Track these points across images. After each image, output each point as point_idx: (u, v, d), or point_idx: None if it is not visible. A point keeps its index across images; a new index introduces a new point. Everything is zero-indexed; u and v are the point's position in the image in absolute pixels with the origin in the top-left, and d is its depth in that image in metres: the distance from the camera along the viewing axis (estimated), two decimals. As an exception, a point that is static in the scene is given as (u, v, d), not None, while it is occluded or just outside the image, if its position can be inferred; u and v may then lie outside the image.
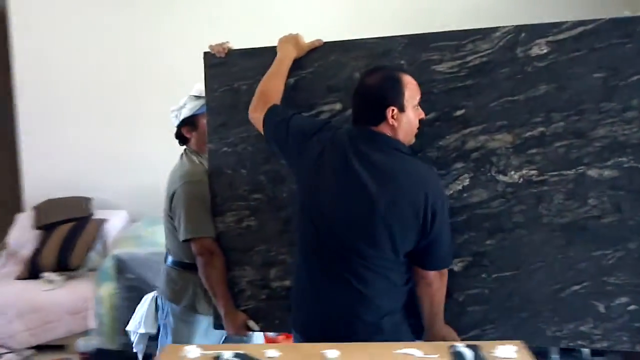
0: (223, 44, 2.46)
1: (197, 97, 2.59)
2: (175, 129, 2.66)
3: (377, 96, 1.96)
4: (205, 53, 2.48)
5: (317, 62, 2.32)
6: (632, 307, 2.10)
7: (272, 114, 2.17)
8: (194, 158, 2.61)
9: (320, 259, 2.00)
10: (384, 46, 2.27)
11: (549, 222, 2.13)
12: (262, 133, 2.21)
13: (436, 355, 1.66)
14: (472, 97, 2.17)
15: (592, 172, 2.09)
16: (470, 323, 2.23)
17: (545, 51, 2.10)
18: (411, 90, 1.98)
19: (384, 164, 1.93)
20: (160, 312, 2.66)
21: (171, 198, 2.52)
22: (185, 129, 2.64)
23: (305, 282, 2.06)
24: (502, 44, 2.14)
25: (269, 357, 1.68)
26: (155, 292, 2.77)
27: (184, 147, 2.69)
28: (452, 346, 1.72)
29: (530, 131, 2.13)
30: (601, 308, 2.12)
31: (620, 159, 2.07)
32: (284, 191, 2.39)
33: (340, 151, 1.98)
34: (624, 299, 2.10)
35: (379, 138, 1.96)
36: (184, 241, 2.47)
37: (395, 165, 1.94)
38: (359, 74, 2.26)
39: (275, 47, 2.36)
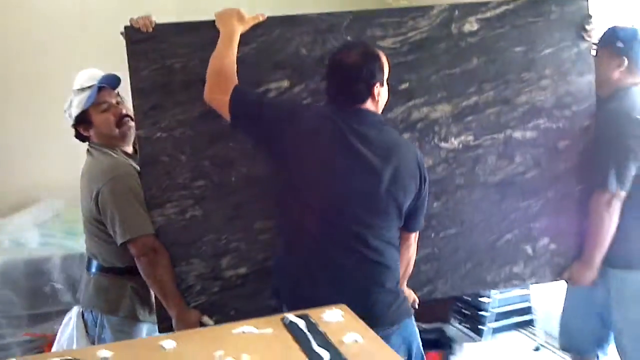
0: (146, 17, 2.21)
1: (81, 90, 2.31)
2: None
3: (364, 74, 1.97)
4: (126, 27, 2.19)
5: (261, 37, 2.22)
6: (552, 246, 2.48)
7: (239, 94, 2.04)
8: (108, 151, 2.33)
9: (328, 235, 1.98)
10: (329, 22, 2.27)
11: (484, 181, 2.39)
12: (224, 114, 2.07)
13: (271, 330, 1.70)
14: (415, 70, 2.32)
15: (517, 134, 2.40)
16: (423, 280, 2.40)
17: (475, 28, 2.34)
18: (386, 66, 2.06)
19: (380, 140, 1.99)
20: (91, 328, 2.32)
21: (96, 199, 2.23)
22: (82, 127, 2.36)
23: (310, 259, 2.00)
24: (438, 21, 2.32)
25: (102, 358, 1.56)
26: (77, 307, 2.40)
27: (88, 143, 2.40)
28: (283, 318, 1.77)
29: (466, 101, 2.35)
30: (529, 250, 2.47)
31: (538, 122, 2.42)
32: (232, 175, 2.26)
33: (335, 131, 1.96)
34: (546, 240, 2.48)
35: (368, 115, 2.01)
36: (122, 244, 2.21)
37: (389, 139, 2.03)
38: (305, 50, 2.25)
39: (209, 21, 2.21)
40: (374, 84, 1.99)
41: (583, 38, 2.39)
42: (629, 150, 2.34)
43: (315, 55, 2.26)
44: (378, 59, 2.01)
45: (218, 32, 2.18)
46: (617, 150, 2.36)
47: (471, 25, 2.33)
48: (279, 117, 2.02)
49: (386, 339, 1.92)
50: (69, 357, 1.51)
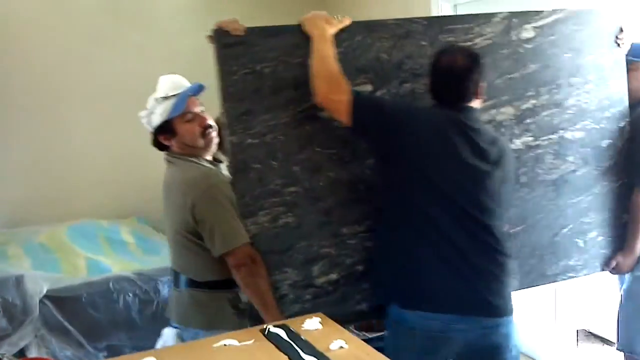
0: (236, 20, 2.15)
1: (165, 99, 2.22)
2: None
3: (474, 75, 2.10)
4: (215, 31, 2.13)
5: (345, 42, 2.23)
6: (600, 239, 2.66)
7: (358, 95, 2.08)
8: (193, 161, 2.25)
9: (461, 231, 2.01)
10: (406, 27, 2.33)
11: (543, 180, 2.53)
12: (339, 115, 2.07)
13: (252, 341, 1.77)
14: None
15: (568, 135, 2.57)
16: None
17: (532, 35, 2.49)
18: None
19: (491, 137, 2.12)
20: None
21: (192, 210, 2.13)
22: (163, 137, 2.28)
23: (444, 253, 2.01)
24: (500, 28, 2.45)
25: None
26: (169, 328, 2.23)
27: (165, 153, 2.31)
28: (263, 329, 1.85)
29: (525, 104, 2.49)
30: (581, 244, 2.63)
31: (584, 123, 2.60)
32: (320, 180, 2.23)
33: (456, 127, 2.04)
34: (594, 233, 2.65)
35: (475, 112, 2.14)
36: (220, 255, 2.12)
37: (495, 136, 2.16)
38: (386, 55, 2.29)
39: (295, 25, 2.20)
40: (480, 84, 2.11)
41: (618, 46, 2.63)
42: None
43: (394, 60, 2.31)
44: (481, 60, 2.14)
45: (303, 36, 2.18)
46: None
47: (528, 32, 2.48)
48: (401, 116, 2.06)
49: (511, 326, 2.01)
50: None
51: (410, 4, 4.17)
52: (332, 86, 2.07)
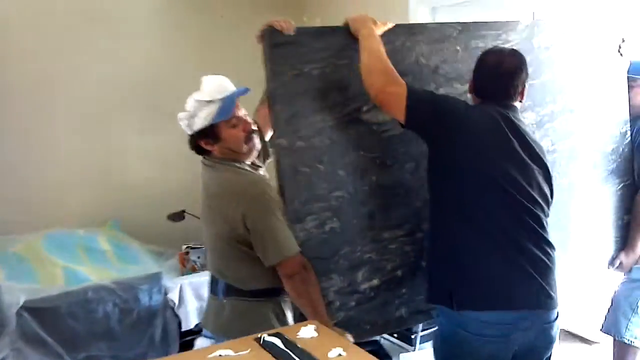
0: (288, 20, 2.09)
1: (210, 102, 2.10)
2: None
3: (522, 76, 2.14)
4: (267, 30, 2.06)
5: (387, 44, 2.19)
6: (604, 239, 2.78)
7: (415, 89, 2.07)
8: (236, 166, 2.15)
9: (518, 225, 2.01)
10: (441, 32, 2.34)
11: (559, 184, 2.56)
12: (395, 109, 2.03)
13: (248, 350, 1.75)
14: (507, 80, 2.48)
15: (580, 140, 2.66)
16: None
17: (549, 43, 2.57)
18: None
19: (533, 136, 2.17)
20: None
21: (243, 218, 2.02)
22: (204, 142, 2.15)
23: (500, 253, 1.99)
24: (524, 35, 2.50)
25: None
26: (202, 338, 2.10)
27: (205, 158, 2.20)
28: (258, 338, 1.82)
29: (544, 109, 2.56)
30: (588, 243, 2.74)
31: (593, 128, 2.70)
32: (364, 185, 2.21)
33: (508, 124, 2.06)
34: (601, 233, 2.77)
35: (518, 111, 2.16)
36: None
37: (534, 136, 2.22)
38: (424, 59, 2.31)
39: (343, 27, 2.18)
40: (525, 85, 2.16)
41: (620, 55, 2.76)
42: None
43: (432, 65, 2.33)
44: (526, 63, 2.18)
45: (349, 38, 2.16)
46: None
47: (547, 40, 2.56)
48: (457, 109, 2.05)
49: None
50: None
51: (390, 7, 4.17)
52: (388, 79, 2.04)
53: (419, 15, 3.95)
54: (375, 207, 2.23)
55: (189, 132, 2.15)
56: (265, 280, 2.10)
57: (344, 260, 2.18)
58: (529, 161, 2.06)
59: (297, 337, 1.84)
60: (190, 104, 2.11)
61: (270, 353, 1.73)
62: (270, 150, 2.34)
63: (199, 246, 3.85)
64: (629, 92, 2.80)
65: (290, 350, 1.73)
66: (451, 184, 2.04)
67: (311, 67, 2.12)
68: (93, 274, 3.50)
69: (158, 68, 4.59)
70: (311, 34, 2.14)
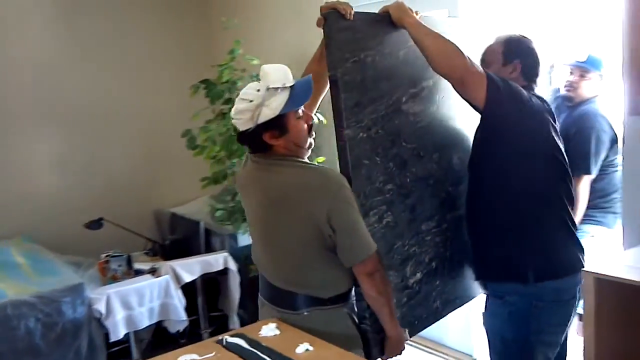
0: (347, 3, 1.94)
1: (283, 89, 1.87)
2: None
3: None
4: (331, 13, 1.90)
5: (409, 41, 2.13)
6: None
7: (491, 73, 2.04)
8: (302, 162, 1.95)
9: (568, 197, 2.18)
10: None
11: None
12: (478, 90, 1.99)
13: (213, 354, 1.74)
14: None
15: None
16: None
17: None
18: None
19: None
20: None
21: (327, 218, 1.83)
22: (269, 134, 1.89)
23: (563, 222, 2.15)
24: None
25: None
26: None
27: (265, 156, 1.95)
28: (220, 340, 1.84)
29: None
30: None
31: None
32: (407, 176, 2.13)
33: (550, 109, 2.21)
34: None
35: None
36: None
37: None
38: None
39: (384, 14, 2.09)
40: None
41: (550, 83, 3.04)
42: (600, 141, 3.04)
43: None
44: None
45: (390, 27, 2.08)
46: (595, 141, 3.03)
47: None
48: (523, 94, 2.10)
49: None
50: None
51: (305, 8, 4.05)
52: (469, 60, 2.00)
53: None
54: (415, 199, 2.17)
55: (250, 125, 1.88)
56: (342, 284, 1.97)
57: (397, 255, 2.10)
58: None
59: (260, 336, 1.82)
60: (254, 94, 1.86)
61: (236, 354, 1.70)
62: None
63: (119, 254, 3.67)
64: (571, 78, 3.06)
65: (256, 350, 1.71)
66: (521, 164, 2.09)
67: (365, 54, 2.00)
68: (10, 289, 3.24)
69: (57, 75, 4.40)
70: (364, 20, 2.02)
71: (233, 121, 1.92)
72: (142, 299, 3.40)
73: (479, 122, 2.15)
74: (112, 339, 3.30)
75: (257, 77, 3.86)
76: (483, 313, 2.31)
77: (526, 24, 3.11)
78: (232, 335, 1.81)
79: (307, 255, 1.93)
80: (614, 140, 3.05)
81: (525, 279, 2.08)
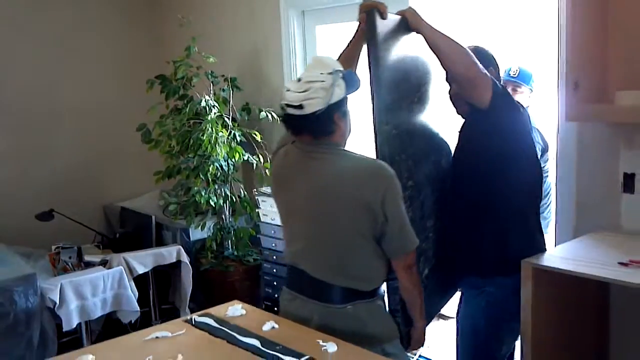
0: (382, 2, 2.00)
1: (343, 73, 1.88)
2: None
3: None
4: (372, 10, 1.96)
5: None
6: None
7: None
8: (352, 152, 1.96)
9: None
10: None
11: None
12: (485, 91, 2.09)
13: (183, 331, 1.83)
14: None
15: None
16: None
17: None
18: None
19: None
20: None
21: (382, 206, 1.84)
22: (337, 115, 1.88)
23: (537, 225, 2.35)
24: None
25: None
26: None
27: (313, 145, 1.92)
28: (189, 320, 1.92)
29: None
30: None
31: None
32: (420, 174, 2.18)
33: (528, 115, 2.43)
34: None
35: None
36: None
37: None
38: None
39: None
40: None
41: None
42: None
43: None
44: None
45: (407, 30, 2.14)
46: None
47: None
48: (514, 100, 2.29)
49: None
50: None
51: (260, 8, 4.11)
52: (479, 63, 2.07)
53: (289, 17, 3.93)
54: (423, 197, 2.20)
55: (321, 106, 1.82)
56: (381, 277, 1.98)
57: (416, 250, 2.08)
58: None
59: (226, 316, 1.90)
60: (324, 76, 1.84)
61: (205, 331, 1.79)
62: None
63: (70, 246, 3.59)
64: None
65: (224, 327, 1.80)
66: (524, 168, 2.23)
67: (394, 54, 2.05)
68: (-41, 280, 3.09)
69: (7, 68, 4.34)
70: (393, 20, 2.07)
71: (307, 102, 1.83)
72: (95, 289, 3.35)
73: (472, 122, 2.26)
74: (65, 328, 3.24)
75: (212, 75, 3.93)
76: (458, 304, 2.42)
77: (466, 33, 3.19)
78: (200, 315, 1.87)
79: (356, 245, 1.90)
80: (544, 150, 3.20)
81: (512, 271, 2.16)
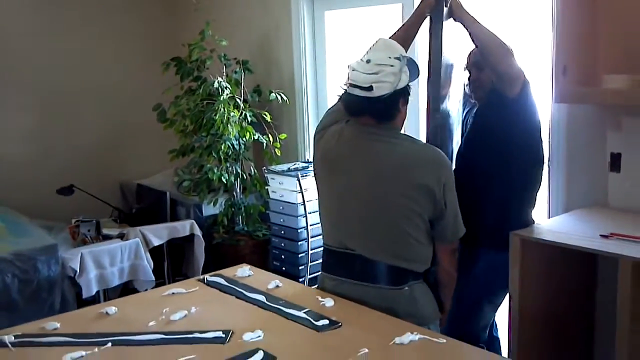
0: None
1: (408, 60, 1.90)
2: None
3: None
4: (440, 4, 2.08)
5: None
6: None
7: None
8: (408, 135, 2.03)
9: None
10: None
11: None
12: (517, 83, 2.21)
13: (196, 288, 1.99)
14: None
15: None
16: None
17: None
18: None
19: None
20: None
21: (442, 191, 1.88)
22: (402, 101, 1.92)
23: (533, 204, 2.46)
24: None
25: (52, 329, 1.74)
26: None
27: (382, 129, 1.93)
28: (202, 279, 2.07)
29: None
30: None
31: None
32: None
33: None
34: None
35: None
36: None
37: None
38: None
39: None
40: None
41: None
42: None
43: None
44: None
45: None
46: None
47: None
48: None
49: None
50: (18, 333, 1.66)
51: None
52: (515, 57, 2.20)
53: (299, 3, 4.06)
54: None
55: (388, 91, 1.84)
56: (430, 259, 1.99)
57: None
58: None
59: (236, 276, 2.06)
60: (393, 61, 1.85)
61: (216, 289, 1.96)
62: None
63: (89, 219, 3.79)
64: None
65: (234, 285, 1.96)
66: (530, 154, 2.35)
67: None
68: (-11, 248, 3.31)
69: (32, 48, 4.49)
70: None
71: (377, 84, 1.83)
72: (113, 259, 3.51)
73: (494, 107, 2.31)
74: (85, 295, 3.39)
75: (225, 58, 4.10)
76: None
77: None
78: (211, 276, 2.04)
79: (415, 228, 1.90)
80: None
81: (505, 246, 2.27)
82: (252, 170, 4.21)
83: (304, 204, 3.73)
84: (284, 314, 1.75)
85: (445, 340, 1.56)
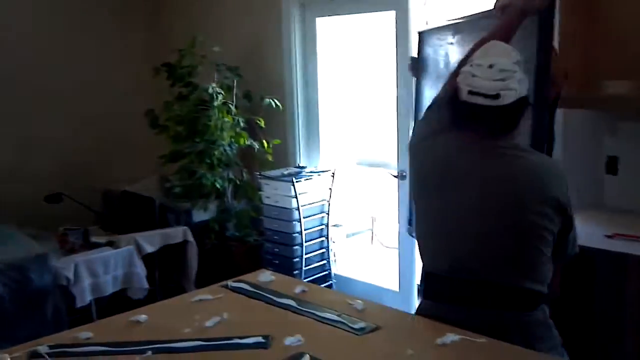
0: None
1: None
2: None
3: None
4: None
5: None
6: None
7: None
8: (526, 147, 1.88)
9: None
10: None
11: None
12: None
13: (222, 294, 1.97)
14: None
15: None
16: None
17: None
18: None
19: None
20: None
21: (569, 207, 1.73)
22: (528, 110, 1.76)
23: None
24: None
25: (85, 338, 1.69)
26: None
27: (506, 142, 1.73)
28: (225, 285, 2.03)
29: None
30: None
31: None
32: None
33: None
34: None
35: None
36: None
37: None
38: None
39: None
40: None
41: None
42: None
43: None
44: None
45: None
46: None
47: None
48: None
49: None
50: (50, 344, 1.62)
51: (260, 2, 4.26)
52: None
53: (290, 10, 4.08)
54: None
55: (514, 99, 1.66)
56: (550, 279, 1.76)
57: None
58: None
59: (259, 281, 2.04)
60: (513, 66, 1.68)
61: (242, 294, 1.95)
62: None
63: (76, 228, 3.75)
64: None
65: (260, 291, 1.96)
66: None
67: None
68: (-24, 258, 3.24)
69: (19, 53, 4.39)
70: None
71: (504, 92, 1.64)
72: (107, 267, 3.48)
73: None
74: (79, 304, 3.36)
75: (218, 64, 4.05)
76: None
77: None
78: (234, 281, 2.03)
79: (542, 245, 1.69)
80: None
81: None
82: (244, 176, 4.18)
83: (298, 208, 3.73)
84: (319, 318, 1.74)
85: (485, 340, 1.57)
